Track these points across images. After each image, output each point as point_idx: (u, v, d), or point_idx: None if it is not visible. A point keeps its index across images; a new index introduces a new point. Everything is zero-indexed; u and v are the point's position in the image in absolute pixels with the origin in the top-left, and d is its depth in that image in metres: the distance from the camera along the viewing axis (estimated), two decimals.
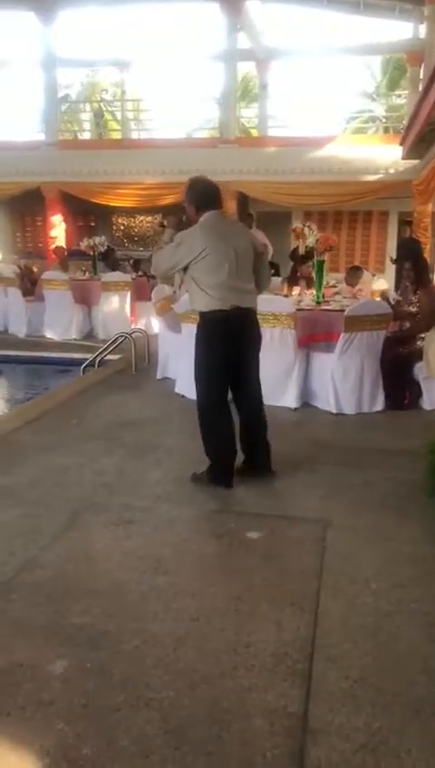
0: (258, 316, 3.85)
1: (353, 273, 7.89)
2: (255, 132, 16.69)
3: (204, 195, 3.68)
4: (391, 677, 2.17)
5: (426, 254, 7.40)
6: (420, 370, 5.41)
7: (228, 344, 3.64)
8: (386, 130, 16.84)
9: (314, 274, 6.18)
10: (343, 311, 5.32)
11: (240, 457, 3.88)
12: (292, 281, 7.76)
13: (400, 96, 18.90)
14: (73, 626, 2.43)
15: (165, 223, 5.47)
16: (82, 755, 1.83)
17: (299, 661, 2.25)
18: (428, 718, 2.00)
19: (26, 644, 2.34)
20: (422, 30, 12.22)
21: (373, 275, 10.22)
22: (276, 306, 5.30)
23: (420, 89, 9.07)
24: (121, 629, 2.41)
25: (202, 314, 3.65)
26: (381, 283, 9.19)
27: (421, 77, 11.65)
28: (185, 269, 3.67)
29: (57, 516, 3.37)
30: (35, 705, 2.02)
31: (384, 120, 19.01)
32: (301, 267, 7.89)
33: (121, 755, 1.84)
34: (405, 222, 11.99)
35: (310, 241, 5.89)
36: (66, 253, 11.05)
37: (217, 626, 2.44)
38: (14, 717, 1.99)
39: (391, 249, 12.53)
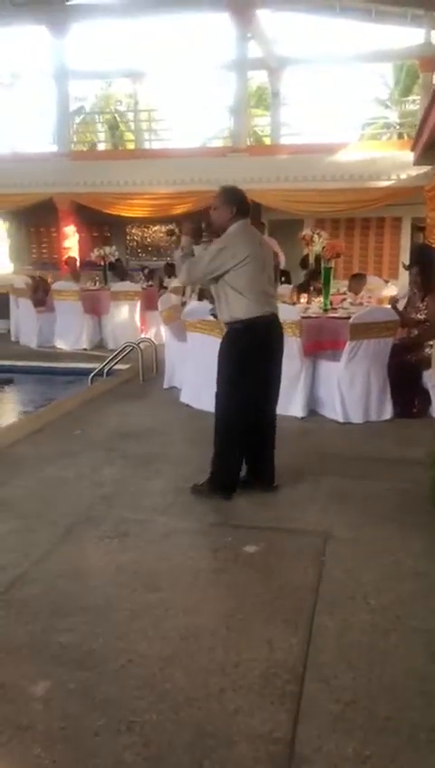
0: None
1: (357, 280, 7.79)
2: (269, 141, 16.65)
3: (241, 202, 3.64)
4: (385, 700, 2.08)
5: None
6: (429, 378, 5.29)
7: (263, 351, 3.61)
8: (400, 136, 16.72)
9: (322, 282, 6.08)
10: (349, 318, 5.22)
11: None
12: (302, 289, 7.66)
13: (414, 102, 18.76)
14: (59, 645, 2.36)
15: (176, 230, 5.35)
16: None
17: (289, 682, 2.16)
18: (422, 745, 1.90)
19: (9, 663, 2.28)
20: (434, 36, 12.14)
21: (386, 282, 10.10)
22: (282, 313, 5.19)
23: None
24: (108, 649, 2.34)
25: (240, 321, 3.56)
26: (393, 289, 9.06)
27: (434, 83, 11.56)
28: (217, 277, 3.57)
29: (52, 530, 3.31)
30: (13, 729, 1.96)
31: (398, 127, 18.88)
32: (313, 282, 7.78)
33: None
34: (418, 228, 11.84)
35: (316, 248, 5.81)
36: (78, 263, 11.07)
37: (206, 645, 2.36)
38: None
39: (405, 255, 12.37)
